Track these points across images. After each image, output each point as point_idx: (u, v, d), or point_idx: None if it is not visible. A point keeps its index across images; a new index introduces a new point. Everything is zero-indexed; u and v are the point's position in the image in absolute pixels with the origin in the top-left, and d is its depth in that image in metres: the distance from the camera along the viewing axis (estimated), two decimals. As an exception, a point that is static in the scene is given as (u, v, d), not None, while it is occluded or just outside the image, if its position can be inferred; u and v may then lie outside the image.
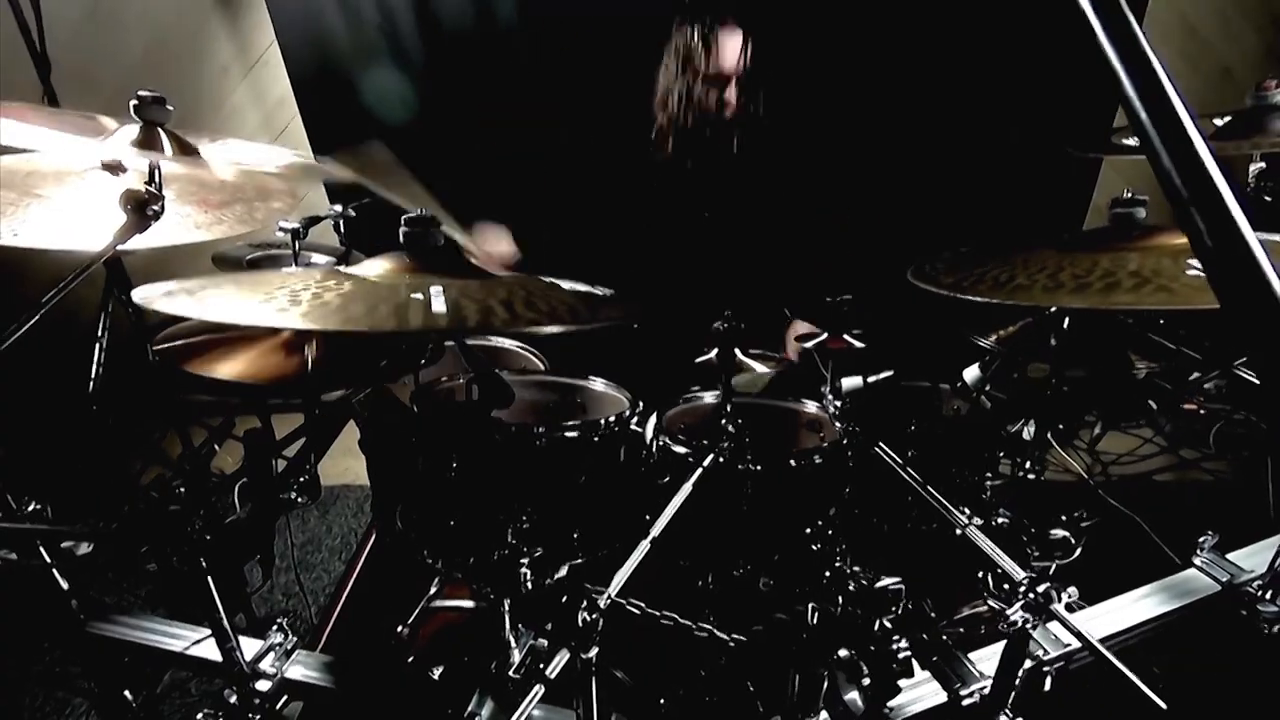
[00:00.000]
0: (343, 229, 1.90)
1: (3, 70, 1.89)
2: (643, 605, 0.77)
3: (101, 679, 1.13)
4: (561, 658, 0.70)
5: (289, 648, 1.00)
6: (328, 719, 1.24)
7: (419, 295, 0.63)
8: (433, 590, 1.28)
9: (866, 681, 0.82)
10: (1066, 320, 1.20)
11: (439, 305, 0.61)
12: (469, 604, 1.23)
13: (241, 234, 1.44)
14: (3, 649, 2.06)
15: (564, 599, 0.68)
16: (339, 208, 1.89)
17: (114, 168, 1.28)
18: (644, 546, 0.79)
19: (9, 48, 1.88)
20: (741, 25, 1.54)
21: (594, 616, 0.68)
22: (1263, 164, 1.06)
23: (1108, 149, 1.20)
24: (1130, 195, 0.86)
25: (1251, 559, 1.05)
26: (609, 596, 0.71)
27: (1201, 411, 2.59)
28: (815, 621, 0.76)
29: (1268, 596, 0.98)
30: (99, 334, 1.25)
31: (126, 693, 1.18)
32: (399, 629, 1.21)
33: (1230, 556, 1.07)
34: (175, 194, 1.21)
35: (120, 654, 1.09)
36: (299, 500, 1.18)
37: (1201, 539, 1.05)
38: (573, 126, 1.92)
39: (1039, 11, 2.17)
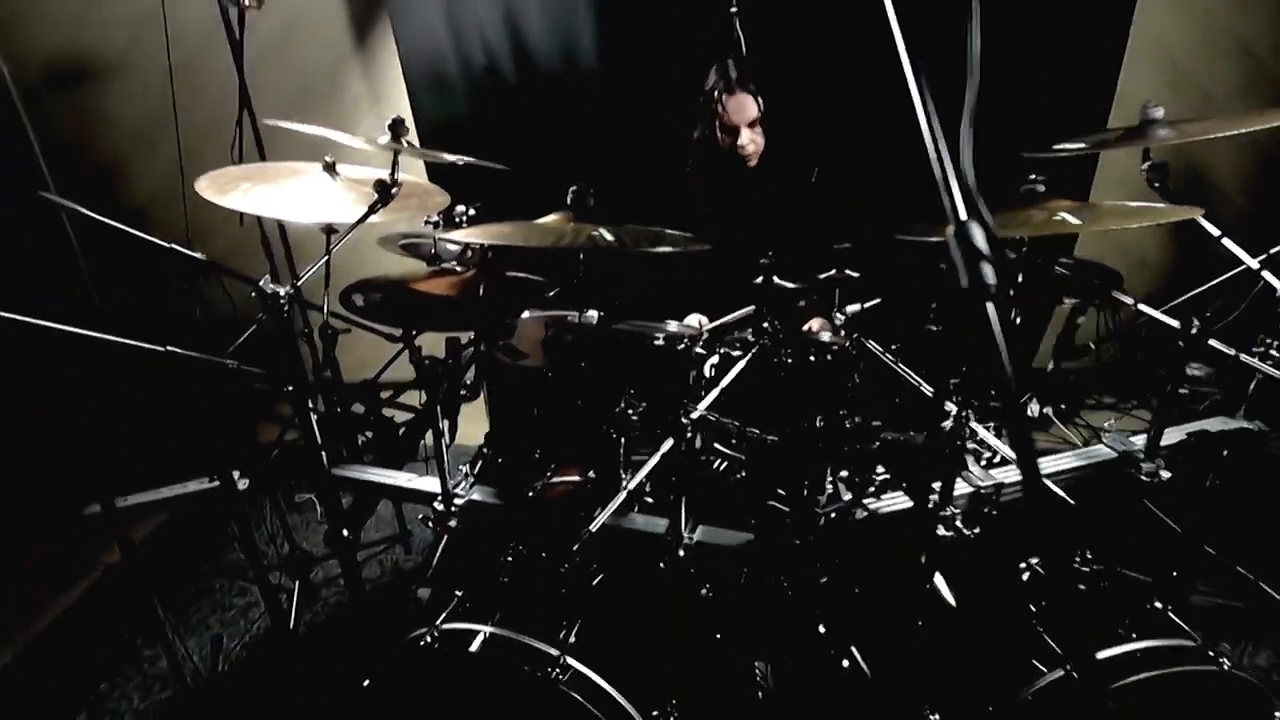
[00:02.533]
0: (467, 222, 2.44)
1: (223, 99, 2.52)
2: (718, 415, 1.23)
3: (331, 515, 1.64)
4: (666, 446, 1.18)
5: (472, 481, 1.50)
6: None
7: (597, 232, 1.13)
8: (549, 471, 1.76)
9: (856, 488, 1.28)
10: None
11: (610, 236, 1.11)
12: (577, 478, 1.70)
13: (411, 222, 2.01)
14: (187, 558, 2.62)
15: (670, 409, 1.16)
16: (462, 206, 2.44)
17: (330, 168, 1.84)
18: (715, 392, 1.26)
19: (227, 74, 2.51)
20: (750, 93, 2.05)
21: (689, 420, 1.15)
22: (1150, 160, 1.50)
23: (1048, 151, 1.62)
24: (1033, 178, 1.32)
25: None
26: (699, 410, 1.19)
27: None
28: (823, 429, 1.21)
29: (1144, 459, 1.41)
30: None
31: (344, 530, 1.69)
32: (529, 492, 1.69)
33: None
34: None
35: (350, 490, 1.59)
36: (466, 396, 1.69)
37: (1107, 423, 1.48)
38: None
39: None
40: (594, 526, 1.21)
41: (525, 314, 2.04)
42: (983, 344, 0.64)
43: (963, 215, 0.66)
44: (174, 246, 1.84)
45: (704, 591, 1.63)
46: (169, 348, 1.26)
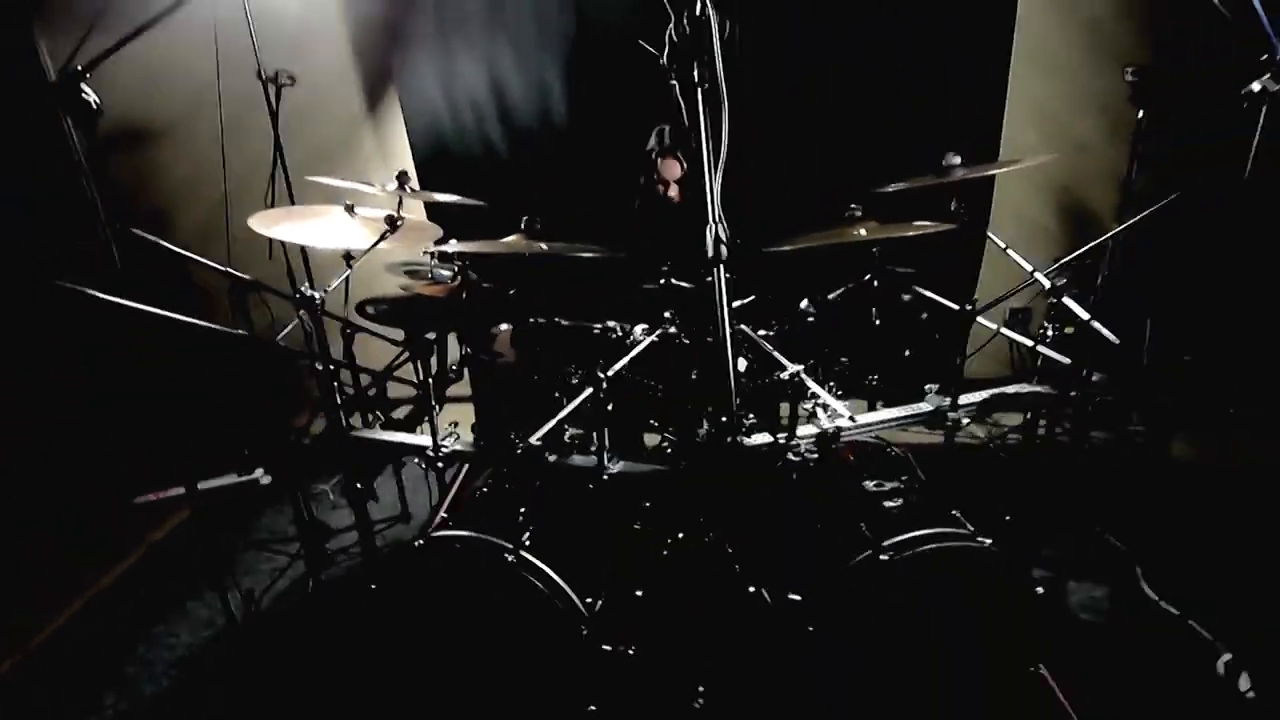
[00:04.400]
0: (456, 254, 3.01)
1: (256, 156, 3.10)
2: (631, 375, 1.74)
3: (348, 471, 2.13)
4: (585, 393, 1.69)
5: (456, 436, 2.00)
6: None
7: (542, 246, 1.67)
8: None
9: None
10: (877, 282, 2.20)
11: (544, 247, 1.64)
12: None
13: (412, 252, 2.56)
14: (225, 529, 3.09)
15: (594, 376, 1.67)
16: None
17: (350, 209, 2.39)
18: (626, 359, 1.78)
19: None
20: (676, 158, 2.65)
21: (605, 376, 1.67)
22: (954, 198, 2.06)
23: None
24: (853, 207, 1.86)
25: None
26: (612, 371, 1.70)
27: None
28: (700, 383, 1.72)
29: (950, 411, 1.91)
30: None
31: (358, 484, 2.18)
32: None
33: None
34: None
35: (362, 450, 2.10)
36: (452, 377, 2.20)
37: (928, 385, 1.99)
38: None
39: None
40: (534, 439, 1.72)
41: (503, 326, 2.58)
42: (710, 296, 1.16)
43: (716, 218, 1.20)
44: (229, 270, 2.40)
45: (635, 526, 2.13)
46: (240, 330, 1.78)
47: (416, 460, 1.97)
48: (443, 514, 2.30)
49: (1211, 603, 2.25)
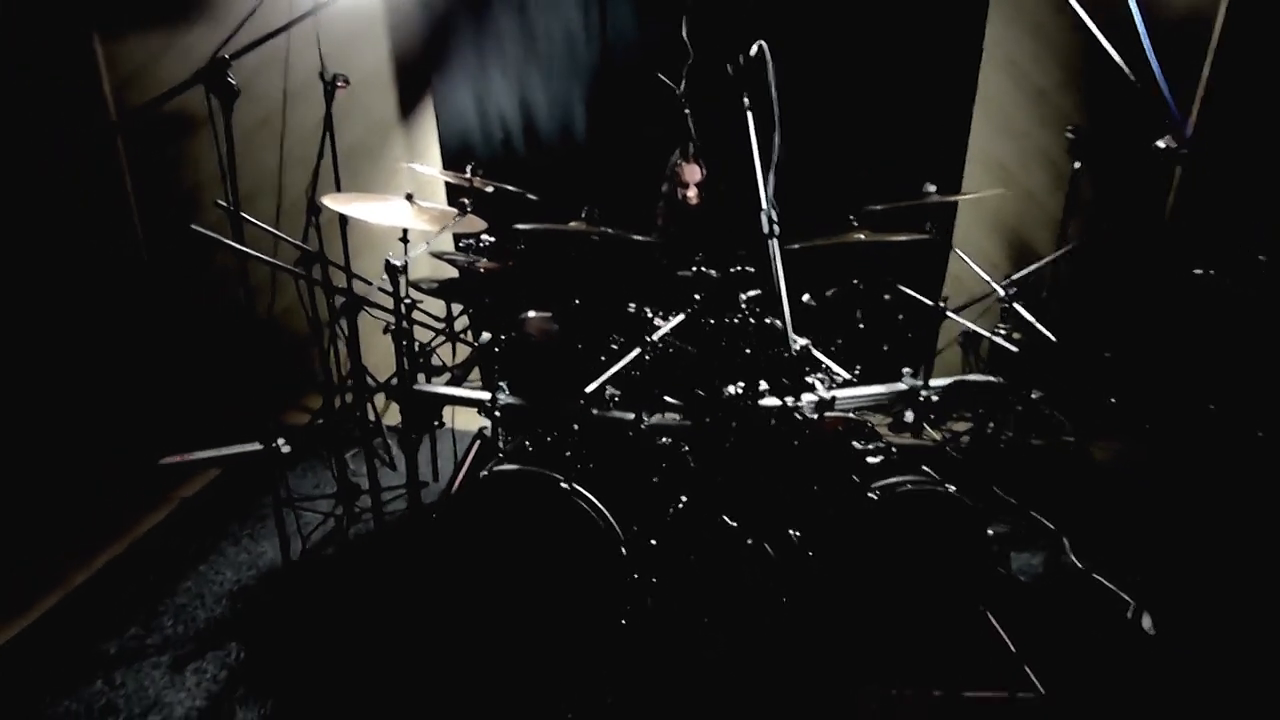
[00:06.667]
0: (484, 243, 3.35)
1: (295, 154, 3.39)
2: (669, 339, 2.10)
3: (409, 421, 2.42)
4: (633, 355, 2.05)
5: (507, 392, 2.33)
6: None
7: (608, 230, 2.05)
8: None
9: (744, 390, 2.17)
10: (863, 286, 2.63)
11: (608, 231, 2.03)
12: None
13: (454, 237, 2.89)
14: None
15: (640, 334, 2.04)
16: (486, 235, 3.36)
17: (410, 198, 2.72)
18: (666, 329, 2.15)
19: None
20: (697, 164, 3.09)
21: (650, 343, 2.03)
22: (929, 219, 2.52)
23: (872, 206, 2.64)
24: (852, 219, 2.30)
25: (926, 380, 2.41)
26: (658, 338, 2.07)
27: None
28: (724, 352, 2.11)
29: (922, 390, 2.34)
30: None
31: (414, 434, 2.48)
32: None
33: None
34: (441, 214, 2.65)
35: (424, 402, 2.40)
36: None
37: (905, 370, 2.42)
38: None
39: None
40: (589, 389, 2.08)
41: (531, 313, 2.94)
42: (769, 273, 1.55)
43: (767, 204, 1.59)
44: (298, 243, 2.70)
45: (653, 480, 2.48)
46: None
47: (477, 411, 2.29)
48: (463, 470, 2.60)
49: (1123, 567, 2.71)
